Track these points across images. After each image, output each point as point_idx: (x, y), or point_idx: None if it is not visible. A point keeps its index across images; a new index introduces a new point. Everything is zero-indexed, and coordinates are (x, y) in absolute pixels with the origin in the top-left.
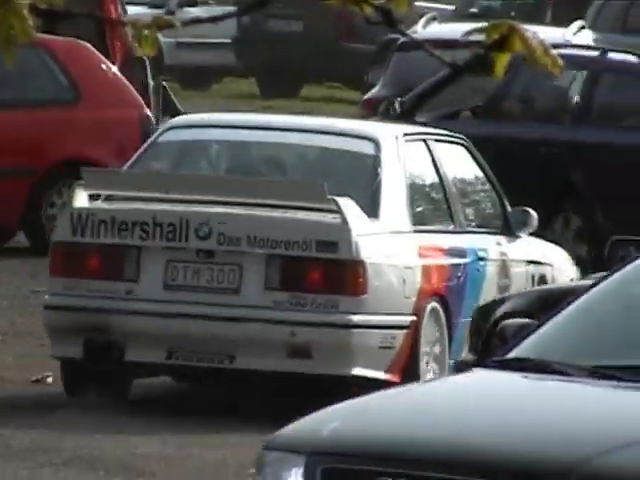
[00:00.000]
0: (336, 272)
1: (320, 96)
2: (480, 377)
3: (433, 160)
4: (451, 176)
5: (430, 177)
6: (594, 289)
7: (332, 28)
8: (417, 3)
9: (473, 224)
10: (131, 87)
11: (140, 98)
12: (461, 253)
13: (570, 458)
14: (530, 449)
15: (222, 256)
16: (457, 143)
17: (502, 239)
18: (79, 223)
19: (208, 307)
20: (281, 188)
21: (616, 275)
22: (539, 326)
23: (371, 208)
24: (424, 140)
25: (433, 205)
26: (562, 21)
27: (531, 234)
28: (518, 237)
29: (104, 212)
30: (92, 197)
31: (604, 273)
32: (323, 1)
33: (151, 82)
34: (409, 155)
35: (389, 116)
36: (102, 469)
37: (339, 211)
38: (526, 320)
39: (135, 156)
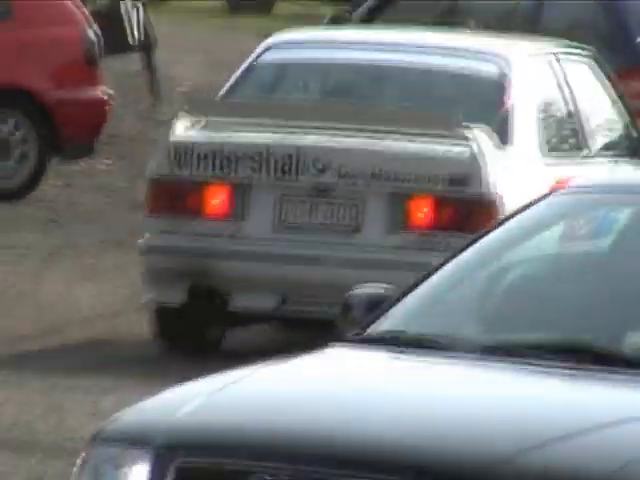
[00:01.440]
0: (468, 210)
1: (293, 13)
2: (340, 356)
3: (565, 79)
4: (582, 97)
5: (561, 99)
6: (472, 248)
7: None
8: None
9: (604, 148)
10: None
11: (80, 14)
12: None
13: (486, 458)
14: (439, 445)
15: (341, 192)
16: (587, 58)
17: (633, 164)
18: (178, 155)
19: (324, 249)
20: (408, 116)
21: (497, 230)
22: (404, 294)
23: (503, 136)
24: (555, 57)
25: (565, 130)
26: None
27: None
28: None
29: (208, 144)
30: (192, 127)
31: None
32: None
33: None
34: (540, 76)
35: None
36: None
37: (473, 143)
38: (380, 290)
39: (232, 80)
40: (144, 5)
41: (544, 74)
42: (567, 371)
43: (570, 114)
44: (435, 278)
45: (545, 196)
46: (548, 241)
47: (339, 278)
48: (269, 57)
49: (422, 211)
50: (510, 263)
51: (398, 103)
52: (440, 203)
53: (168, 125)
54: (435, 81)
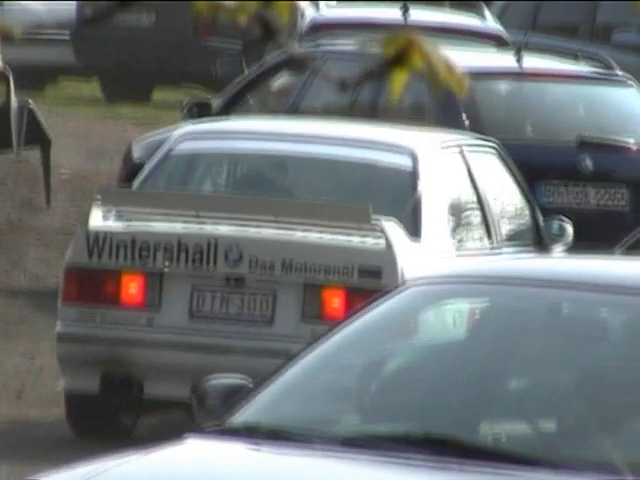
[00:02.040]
0: None
1: (175, 100)
2: (196, 448)
3: (469, 171)
4: (487, 188)
5: (467, 190)
6: (332, 339)
7: (189, 21)
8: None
9: (508, 239)
10: None
11: None
12: None
13: None
14: None
15: (254, 283)
16: (490, 149)
17: (539, 252)
18: (96, 245)
19: (238, 339)
20: (320, 209)
21: (356, 321)
22: (261, 385)
23: (413, 229)
24: (460, 149)
25: (472, 221)
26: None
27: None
28: (551, 250)
29: (123, 233)
30: (108, 216)
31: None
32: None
33: (14, 102)
34: (447, 168)
35: (192, 117)
36: None
37: (384, 235)
38: (237, 380)
39: (147, 169)
40: (28, 103)
41: (451, 166)
42: (426, 463)
43: (477, 205)
44: (293, 369)
45: (402, 287)
46: (406, 332)
47: (252, 367)
48: (182, 147)
49: (335, 302)
50: (368, 355)
51: (307, 194)
52: (353, 294)
53: (85, 214)
54: (343, 173)
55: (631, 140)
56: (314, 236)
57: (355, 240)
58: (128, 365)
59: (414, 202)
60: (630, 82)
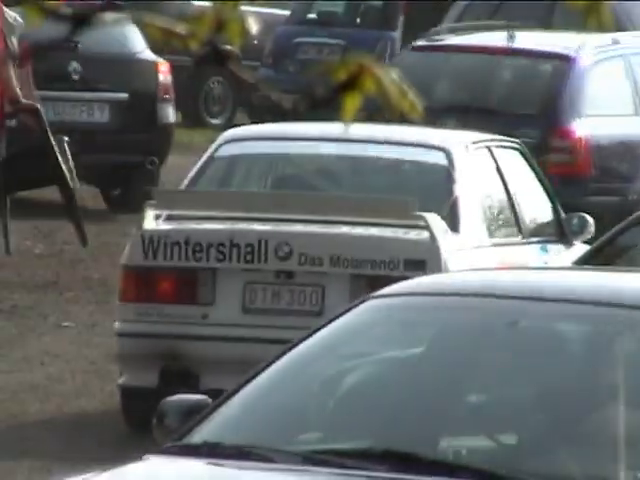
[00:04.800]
0: None
1: None
2: (156, 467)
3: (498, 168)
4: (514, 184)
5: (497, 186)
6: (290, 354)
7: None
8: (244, 8)
9: (534, 234)
10: None
11: None
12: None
13: None
14: None
15: (303, 277)
16: (514, 148)
17: (560, 248)
18: (151, 245)
19: (289, 331)
20: (366, 204)
21: (314, 337)
22: (221, 402)
23: (451, 223)
24: (488, 147)
25: (503, 216)
26: (416, 28)
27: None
28: (573, 245)
29: (178, 233)
30: (162, 218)
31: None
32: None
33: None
34: (478, 165)
35: None
36: None
37: (427, 228)
38: (196, 397)
39: (193, 172)
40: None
41: (482, 163)
42: (387, 479)
43: (506, 201)
44: (252, 385)
45: (359, 301)
46: (364, 347)
47: None
48: (225, 151)
49: None
50: (327, 370)
51: (347, 192)
52: None
53: (140, 217)
54: (384, 172)
55: None
56: (360, 230)
57: (400, 233)
58: (185, 359)
59: (452, 198)
60: None
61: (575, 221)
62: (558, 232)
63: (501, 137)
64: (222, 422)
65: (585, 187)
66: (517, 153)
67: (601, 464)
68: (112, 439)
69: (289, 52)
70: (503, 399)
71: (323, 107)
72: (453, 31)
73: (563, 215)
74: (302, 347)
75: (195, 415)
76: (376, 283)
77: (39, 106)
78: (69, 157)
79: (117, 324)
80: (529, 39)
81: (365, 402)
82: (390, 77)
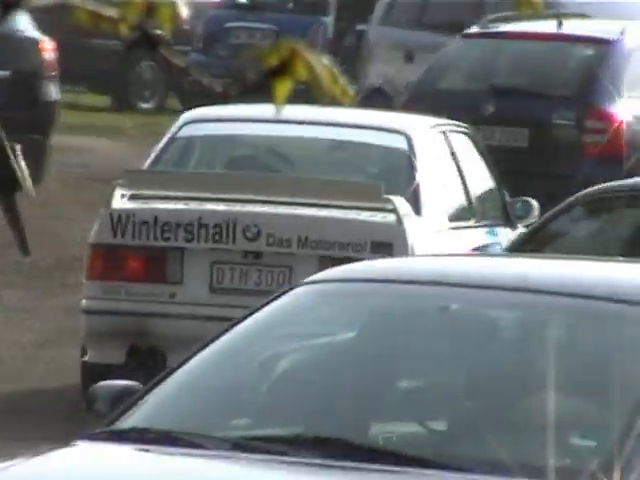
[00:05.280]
0: None
1: (62, 102)
2: (85, 452)
3: (452, 152)
4: (466, 168)
5: (453, 171)
6: (222, 339)
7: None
8: None
9: (486, 217)
10: None
11: None
12: (488, 250)
13: None
14: None
15: (271, 258)
16: (464, 133)
17: (507, 231)
18: (119, 224)
19: None
20: (334, 187)
21: (246, 322)
22: (152, 387)
23: (414, 207)
24: (443, 132)
25: (459, 200)
26: (346, 15)
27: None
28: (517, 229)
29: (146, 212)
30: (129, 197)
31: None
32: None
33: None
34: (436, 149)
35: None
36: None
37: (394, 211)
38: (126, 382)
39: (154, 153)
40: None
41: (439, 147)
42: (317, 464)
43: (461, 184)
44: (183, 370)
45: (292, 287)
46: (296, 333)
47: None
48: (186, 132)
49: None
50: (258, 356)
51: (315, 174)
52: None
53: (108, 196)
54: (346, 154)
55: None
56: (328, 212)
57: (367, 216)
58: (153, 337)
59: (414, 181)
60: None
61: (519, 205)
62: (504, 216)
63: (453, 121)
64: (153, 407)
65: (621, 168)
66: (466, 136)
67: (530, 451)
68: (45, 423)
69: (220, 37)
70: (434, 385)
71: (254, 92)
72: (503, 20)
73: (508, 199)
74: (234, 332)
75: (125, 400)
76: (343, 265)
77: None
78: (22, 164)
79: (84, 302)
80: (572, 25)
81: (297, 388)
82: (321, 62)
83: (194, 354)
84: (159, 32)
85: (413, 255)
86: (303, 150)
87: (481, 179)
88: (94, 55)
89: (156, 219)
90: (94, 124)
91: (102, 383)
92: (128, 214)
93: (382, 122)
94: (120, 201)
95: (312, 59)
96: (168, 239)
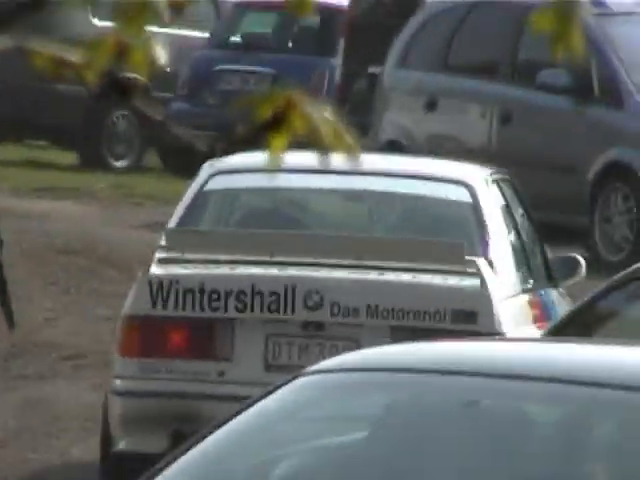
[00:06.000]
0: None
1: (20, 159)
2: None
3: (507, 205)
4: (520, 222)
5: (510, 225)
6: (214, 436)
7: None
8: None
9: (536, 276)
10: None
11: None
12: (552, 316)
13: None
14: None
15: (335, 329)
16: (509, 181)
17: (554, 293)
18: (160, 293)
19: None
20: (408, 247)
21: (240, 418)
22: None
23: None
24: (496, 181)
25: (521, 258)
26: (356, 56)
27: None
28: (559, 290)
29: (191, 279)
30: (171, 261)
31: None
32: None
33: None
34: (497, 201)
35: None
36: None
37: (478, 274)
38: None
39: (181, 210)
40: None
41: (498, 199)
42: None
43: (518, 240)
44: (175, 467)
45: (293, 378)
46: (296, 431)
47: None
48: (216, 185)
49: None
50: (253, 458)
51: (374, 231)
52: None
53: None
54: (408, 207)
55: None
56: (401, 277)
57: (446, 280)
58: (199, 421)
59: (485, 235)
60: None
61: (562, 262)
62: (547, 274)
63: (498, 170)
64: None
65: None
66: (511, 186)
67: None
68: None
69: (208, 82)
70: None
71: (243, 148)
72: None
73: (549, 255)
74: (227, 429)
75: None
76: (420, 336)
77: None
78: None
79: (118, 382)
80: None
81: None
82: (322, 114)
83: (182, 452)
84: (134, 77)
85: (500, 325)
86: (360, 203)
87: (528, 233)
88: (59, 103)
89: (202, 286)
90: (58, 185)
91: None
92: (170, 281)
93: (442, 172)
94: (160, 266)
95: (311, 110)
96: (216, 309)
